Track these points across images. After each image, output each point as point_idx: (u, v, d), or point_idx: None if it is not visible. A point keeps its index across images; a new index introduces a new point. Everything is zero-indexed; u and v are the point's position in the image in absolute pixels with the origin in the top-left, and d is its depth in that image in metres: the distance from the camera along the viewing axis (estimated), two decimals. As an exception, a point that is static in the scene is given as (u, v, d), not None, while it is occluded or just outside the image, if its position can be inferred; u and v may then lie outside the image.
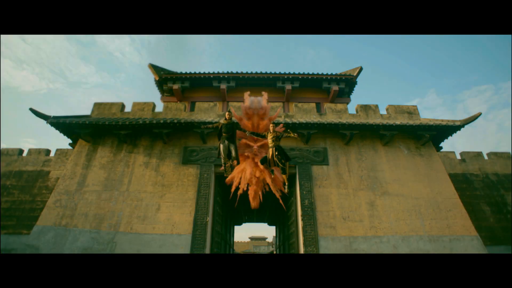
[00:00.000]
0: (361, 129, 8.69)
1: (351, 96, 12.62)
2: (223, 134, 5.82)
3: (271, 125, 5.79)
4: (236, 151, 5.73)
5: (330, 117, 9.33)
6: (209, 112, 9.48)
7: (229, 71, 11.57)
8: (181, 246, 7.27)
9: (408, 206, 7.94)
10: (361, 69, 11.74)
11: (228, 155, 5.83)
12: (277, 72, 11.72)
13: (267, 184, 5.85)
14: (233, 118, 6.02)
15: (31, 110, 8.40)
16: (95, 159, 8.71)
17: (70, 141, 9.51)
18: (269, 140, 5.71)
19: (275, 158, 5.57)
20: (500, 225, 10.23)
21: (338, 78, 11.79)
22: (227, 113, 5.96)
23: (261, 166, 5.74)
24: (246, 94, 5.91)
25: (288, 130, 5.58)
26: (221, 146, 5.83)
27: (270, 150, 5.65)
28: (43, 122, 9.31)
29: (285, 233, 11.62)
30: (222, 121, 5.96)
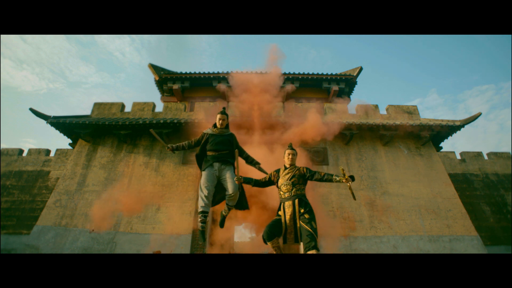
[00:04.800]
0: (361, 129, 8.69)
1: (351, 96, 12.62)
2: (209, 153, 3.26)
3: (287, 151, 3.11)
4: (236, 186, 3.10)
5: (330, 117, 9.34)
6: (209, 112, 9.48)
7: (229, 71, 11.56)
8: (181, 246, 7.28)
9: (408, 206, 7.94)
10: (361, 69, 11.74)
11: (218, 193, 3.26)
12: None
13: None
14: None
15: (31, 110, 8.40)
16: (95, 159, 8.72)
17: (70, 141, 9.51)
18: (284, 186, 2.87)
19: (300, 222, 2.74)
20: (500, 225, 10.23)
21: (338, 78, 11.79)
22: (219, 116, 3.49)
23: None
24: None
25: (342, 168, 2.71)
26: (204, 174, 3.17)
27: (288, 206, 2.80)
28: (43, 122, 9.30)
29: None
30: (208, 130, 3.48)
